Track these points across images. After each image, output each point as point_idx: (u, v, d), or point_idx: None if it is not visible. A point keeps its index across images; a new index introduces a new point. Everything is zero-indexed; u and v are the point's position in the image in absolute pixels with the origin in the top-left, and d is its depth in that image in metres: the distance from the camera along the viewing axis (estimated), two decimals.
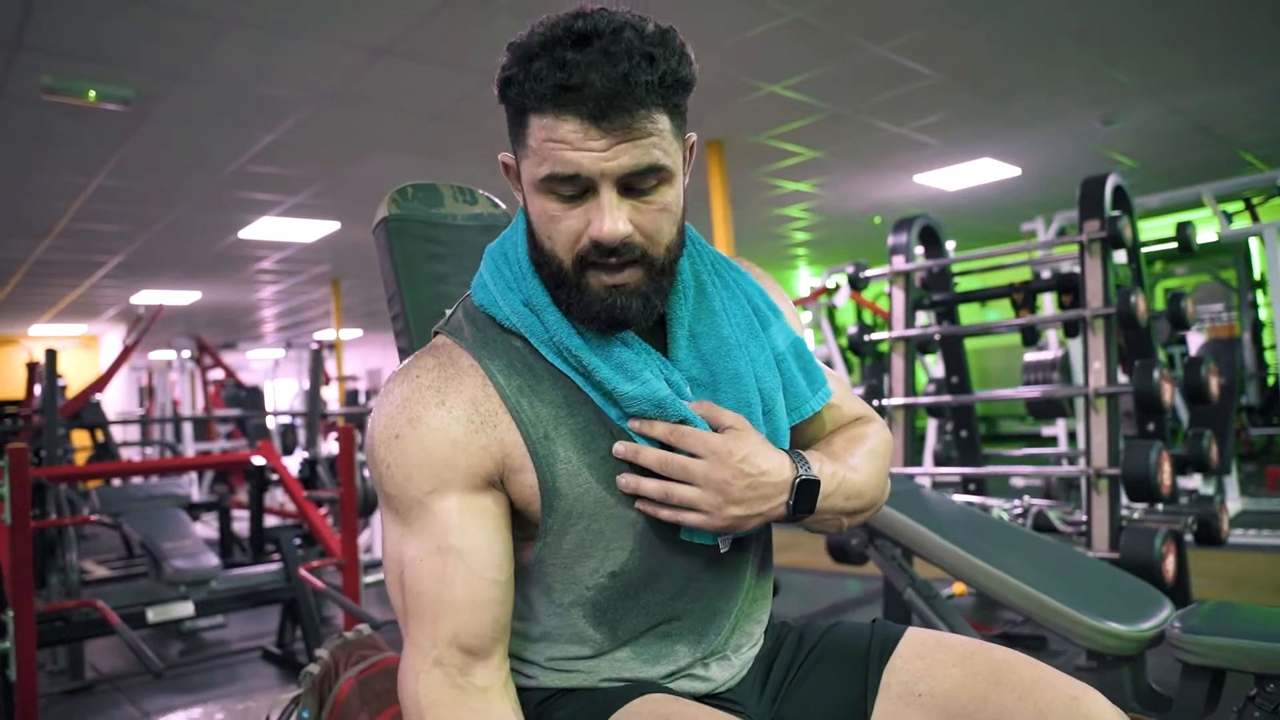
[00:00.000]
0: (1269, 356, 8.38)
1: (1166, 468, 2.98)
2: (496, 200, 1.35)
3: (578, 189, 0.82)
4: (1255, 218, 5.77)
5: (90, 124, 4.55)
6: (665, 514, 0.89)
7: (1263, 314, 8.41)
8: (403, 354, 1.22)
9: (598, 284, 0.85)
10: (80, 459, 7.55)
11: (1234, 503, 5.48)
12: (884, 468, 1.03)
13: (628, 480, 0.89)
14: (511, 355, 0.90)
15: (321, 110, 4.70)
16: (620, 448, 0.89)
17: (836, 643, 1.02)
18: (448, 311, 1.00)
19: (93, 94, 4.07)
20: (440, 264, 1.31)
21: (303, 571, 3.36)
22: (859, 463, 0.98)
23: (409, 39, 3.90)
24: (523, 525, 0.91)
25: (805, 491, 0.89)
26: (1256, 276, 8.46)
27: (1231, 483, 5.59)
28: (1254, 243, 8.13)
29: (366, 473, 4.01)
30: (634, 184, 0.82)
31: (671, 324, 0.94)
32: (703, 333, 0.94)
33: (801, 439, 1.04)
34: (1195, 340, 7.17)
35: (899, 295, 3.90)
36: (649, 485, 0.88)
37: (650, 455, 0.88)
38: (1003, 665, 0.91)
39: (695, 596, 0.94)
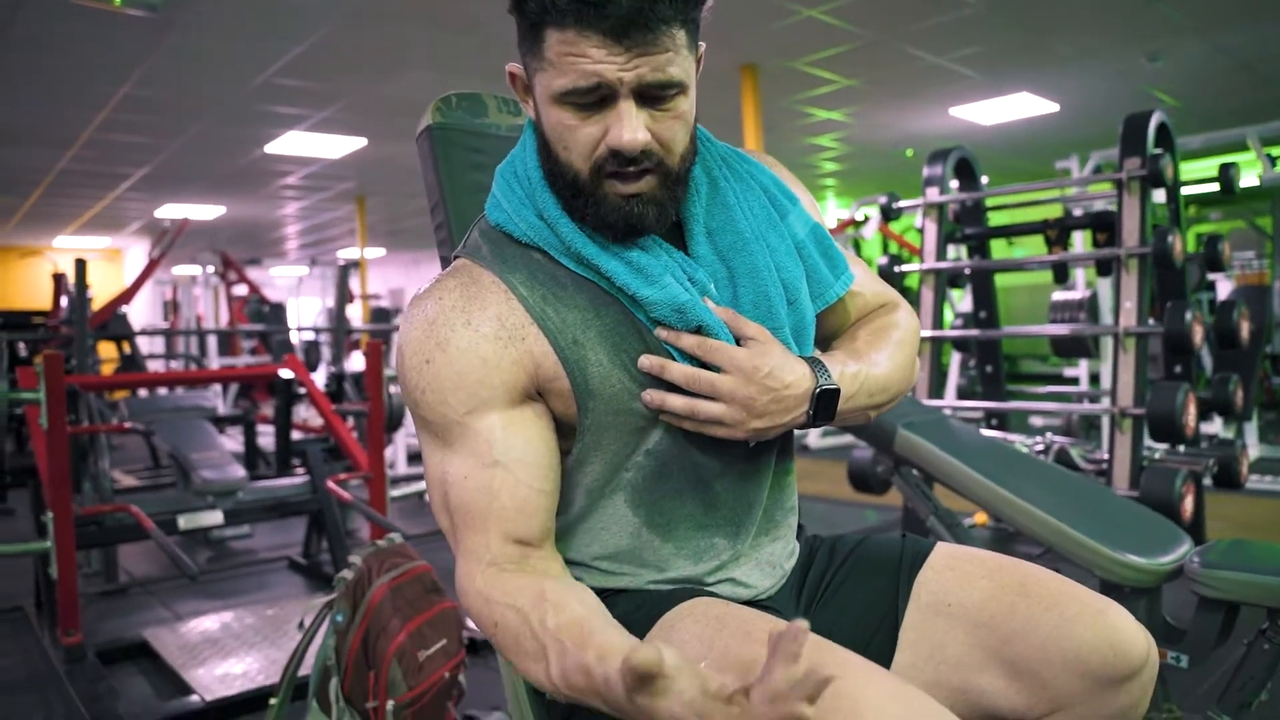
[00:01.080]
0: None
1: (1192, 410, 2.98)
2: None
3: (595, 99, 0.83)
4: None
5: (116, 31, 4.50)
6: (689, 425, 0.91)
7: None
8: (445, 263, 1.23)
9: (614, 193, 0.87)
10: (106, 370, 7.66)
11: (1253, 449, 5.48)
12: (910, 355, 1.05)
13: (652, 397, 0.90)
14: (532, 267, 0.92)
15: (352, 23, 4.62)
16: (646, 361, 0.90)
17: (868, 555, 1.05)
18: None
19: (118, 0, 4.02)
20: (483, 174, 1.30)
21: (330, 484, 3.43)
22: (883, 357, 1.00)
23: None
24: (563, 433, 0.93)
25: (825, 401, 0.91)
26: None
27: (1251, 429, 5.58)
28: None
29: (394, 388, 4.05)
30: (651, 95, 0.84)
31: (688, 222, 0.95)
32: (718, 228, 0.96)
33: (827, 324, 1.06)
34: (1224, 287, 7.07)
35: (931, 227, 3.86)
36: (675, 402, 0.90)
37: (677, 371, 0.89)
38: (1030, 578, 0.94)
39: (725, 484, 0.96)
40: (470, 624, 2.36)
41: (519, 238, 0.93)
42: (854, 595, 1.02)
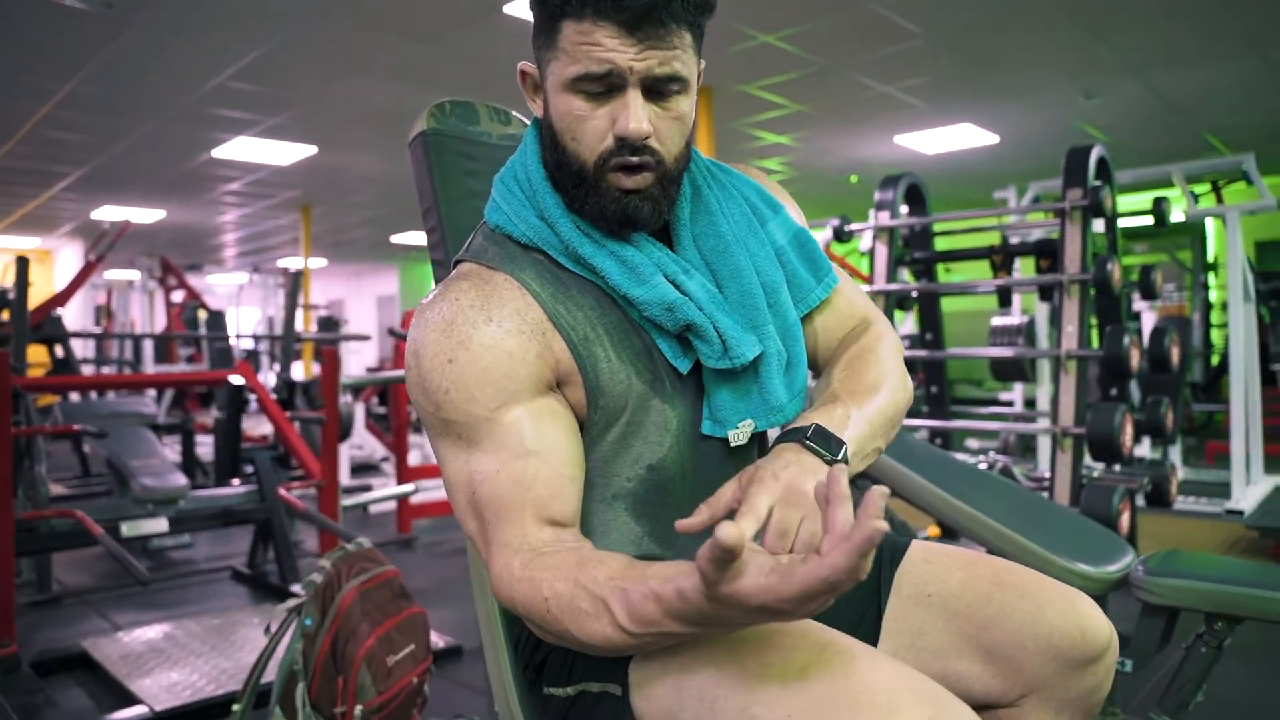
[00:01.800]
0: (1215, 337, 8.67)
1: (1129, 430, 3.12)
2: (527, 121, 1.37)
3: (605, 87, 0.87)
4: (1220, 199, 5.93)
5: (68, 24, 4.40)
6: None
7: (1213, 295, 8.67)
8: (437, 265, 1.25)
9: (615, 186, 0.90)
10: (36, 375, 7.39)
11: (1178, 471, 5.72)
12: (900, 374, 1.05)
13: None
14: (538, 267, 0.95)
15: (311, 28, 4.59)
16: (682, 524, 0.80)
17: None
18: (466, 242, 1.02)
19: None
20: (475, 180, 1.32)
21: (283, 491, 3.38)
22: (875, 385, 1.00)
23: None
24: None
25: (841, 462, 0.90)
26: (1210, 259, 8.71)
27: (1175, 453, 5.82)
28: (1210, 226, 8.36)
29: (345, 397, 4.02)
30: (656, 88, 0.88)
31: (675, 226, 0.99)
32: (701, 233, 1.00)
33: (811, 327, 1.08)
34: (1147, 318, 7.39)
35: (882, 250, 3.98)
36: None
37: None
38: (1003, 569, 1.00)
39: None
40: (433, 635, 2.35)
41: (519, 239, 0.96)
42: None
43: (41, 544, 3.18)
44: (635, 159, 0.89)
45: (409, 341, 0.92)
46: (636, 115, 0.87)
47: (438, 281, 1.12)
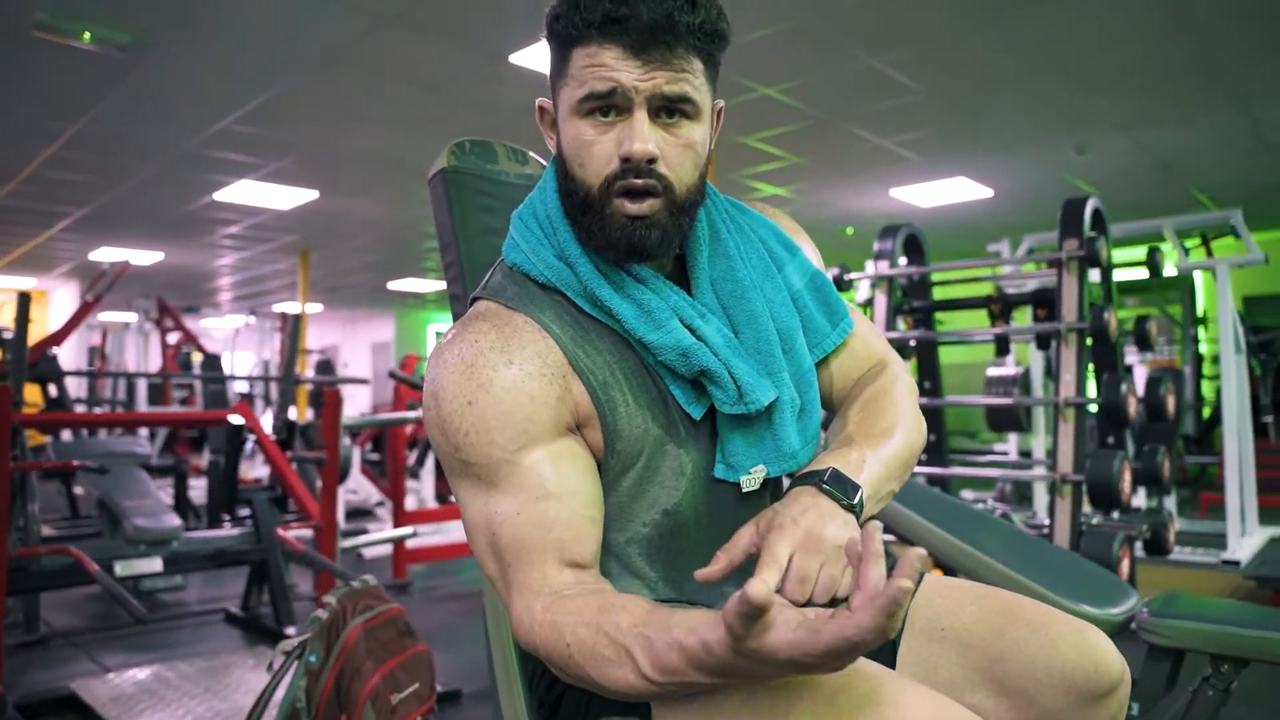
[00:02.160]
0: (1206, 390, 8.74)
1: (1128, 477, 3.14)
2: (544, 162, 1.40)
3: (612, 110, 0.88)
4: (1209, 253, 6.04)
5: (79, 67, 4.46)
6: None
7: (1203, 349, 8.76)
8: (455, 300, 1.26)
9: (621, 212, 0.89)
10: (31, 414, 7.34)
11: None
12: (915, 415, 1.05)
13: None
14: (557, 309, 0.94)
15: (318, 74, 4.67)
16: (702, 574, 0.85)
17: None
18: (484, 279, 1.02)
19: (87, 35, 3.99)
20: (493, 218, 1.35)
21: (281, 532, 3.36)
22: (890, 428, 1.00)
23: (419, 8, 3.90)
24: None
25: (859, 511, 0.89)
26: (1200, 313, 8.82)
27: (1171, 503, 5.83)
28: (1199, 280, 8.49)
29: (345, 440, 4.02)
30: (664, 111, 0.88)
31: (693, 269, 1.00)
32: (720, 278, 1.00)
33: (827, 370, 1.09)
34: (1139, 372, 7.46)
35: (882, 299, 4.03)
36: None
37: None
38: (1014, 603, 1.00)
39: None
40: (436, 678, 2.32)
41: (538, 279, 0.96)
42: None
43: (33, 583, 3.14)
44: (640, 182, 0.88)
45: (427, 382, 0.91)
46: (641, 135, 0.87)
47: (455, 318, 1.13)
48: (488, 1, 3.84)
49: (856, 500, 0.88)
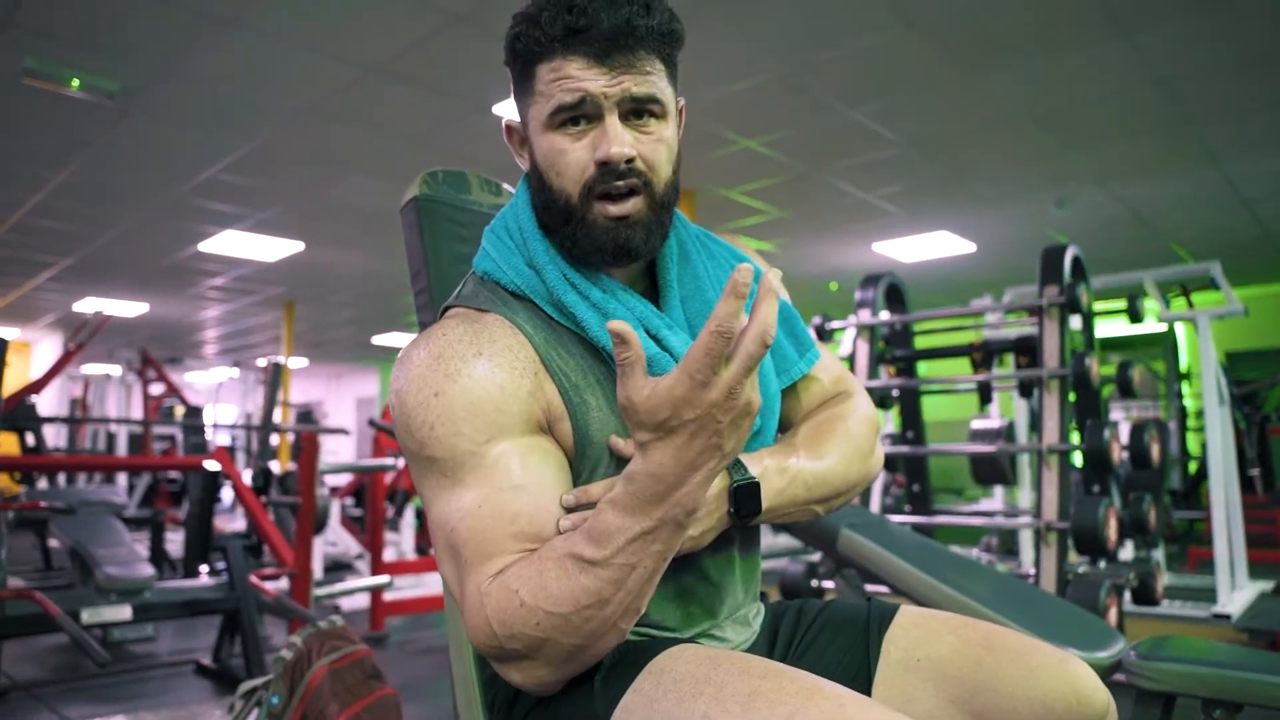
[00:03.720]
0: (1191, 444, 8.75)
1: (1113, 524, 3.11)
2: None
3: (583, 120, 0.89)
4: (1190, 304, 6.09)
5: (66, 114, 4.49)
6: None
7: (1187, 403, 8.80)
8: (424, 328, 1.25)
9: (604, 215, 0.90)
10: None
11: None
12: (863, 446, 1.04)
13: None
14: (530, 313, 0.94)
15: (303, 124, 4.71)
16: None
17: (835, 617, 1.06)
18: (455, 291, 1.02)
19: (76, 83, 4.03)
20: (464, 246, 1.34)
21: (254, 579, 3.28)
22: (829, 449, 1.00)
23: (402, 59, 3.96)
24: None
25: (745, 496, 0.90)
26: (1183, 368, 8.88)
27: (1159, 555, 5.79)
28: (1181, 335, 8.55)
29: (321, 489, 3.94)
30: (635, 112, 0.90)
31: (662, 286, 1.00)
32: (688, 296, 1.00)
33: (791, 402, 1.09)
34: (1123, 428, 7.46)
35: (864, 348, 4.03)
36: None
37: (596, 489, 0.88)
38: (993, 633, 0.97)
39: (704, 562, 0.98)
40: None
41: (508, 286, 0.96)
42: (826, 652, 1.03)
43: None
44: (621, 183, 0.89)
45: (393, 381, 0.89)
46: (617, 138, 0.88)
47: None
48: (470, 52, 3.90)
49: (740, 478, 0.91)
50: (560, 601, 0.77)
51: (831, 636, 1.04)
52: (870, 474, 1.06)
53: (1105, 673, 1.93)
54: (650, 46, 0.89)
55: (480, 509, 0.82)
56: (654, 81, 0.90)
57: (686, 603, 0.97)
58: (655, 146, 0.91)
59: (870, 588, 2.79)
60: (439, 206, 1.34)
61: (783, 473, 0.95)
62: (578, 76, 0.87)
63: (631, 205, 0.90)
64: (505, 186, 1.41)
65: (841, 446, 1.01)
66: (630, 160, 0.89)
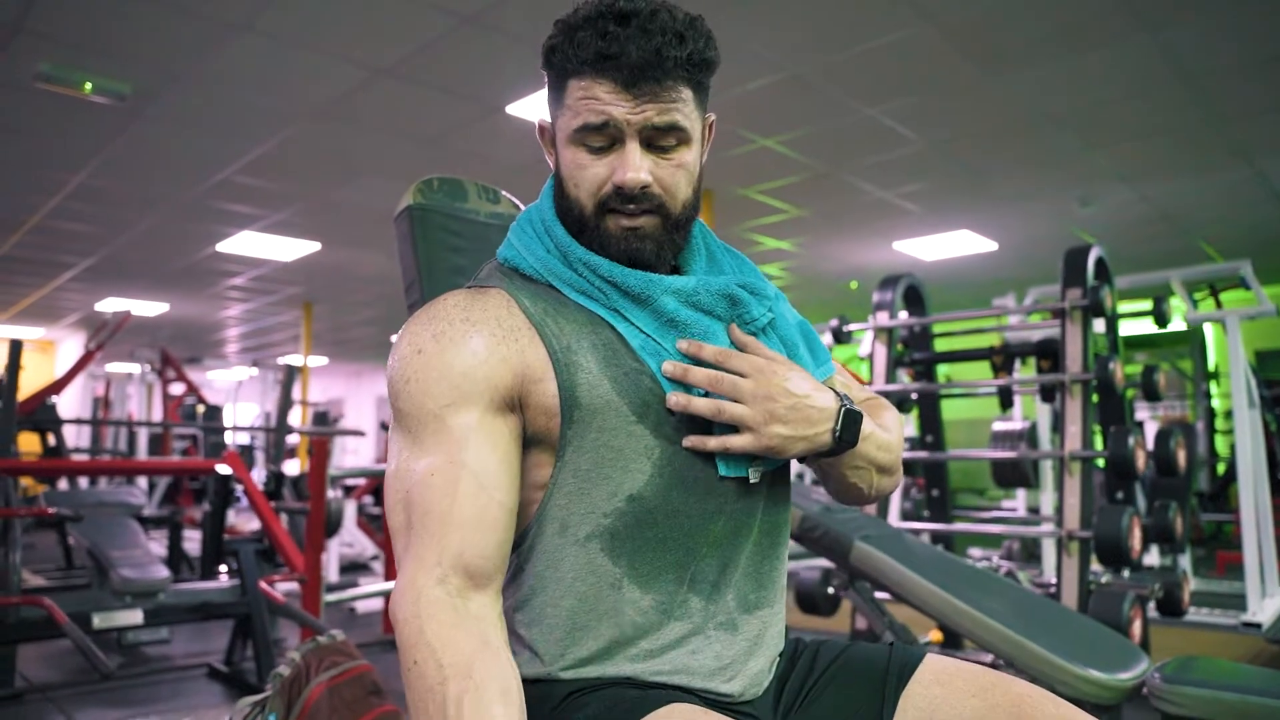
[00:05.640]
0: (1220, 445, 8.58)
1: (1137, 533, 3.03)
2: (518, 202, 1.36)
3: (606, 140, 0.91)
4: (1219, 304, 5.96)
5: (81, 117, 4.50)
6: (713, 444, 0.91)
7: (1215, 403, 8.63)
8: None
9: (616, 226, 0.93)
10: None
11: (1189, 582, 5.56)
12: (902, 438, 1.08)
13: (679, 399, 0.91)
14: (539, 291, 0.96)
15: (316, 126, 4.70)
16: (669, 366, 0.92)
17: (852, 664, 1.00)
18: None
19: (89, 86, 4.03)
20: (460, 257, 1.31)
21: (263, 584, 3.26)
22: (889, 425, 1.04)
23: (413, 61, 3.93)
24: (542, 448, 0.92)
25: (850, 421, 0.92)
26: (1211, 366, 8.71)
27: (1185, 561, 5.67)
28: (1210, 334, 8.39)
29: (334, 492, 3.93)
30: (656, 140, 0.91)
31: (689, 275, 1.00)
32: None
33: None
34: (1150, 428, 7.34)
35: (882, 351, 3.96)
36: (700, 404, 0.90)
37: (699, 374, 0.91)
38: (1024, 700, 0.90)
39: (709, 539, 0.92)
40: None
41: (527, 272, 0.97)
42: (835, 706, 0.97)
43: (8, 634, 3.05)
44: (633, 206, 0.92)
45: (395, 341, 0.94)
46: (634, 165, 0.90)
47: None
48: (483, 54, 3.86)
49: (849, 404, 0.93)
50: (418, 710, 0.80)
51: (845, 687, 0.98)
52: (898, 479, 1.08)
53: (1125, 695, 1.87)
54: (679, 76, 0.90)
55: (433, 478, 0.85)
56: (678, 109, 0.91)
57: (688, 586, 0.92)
58: (674, 172, 0.93)
59: (879, 595, 2.72)
60: (433, 215, 1.31)
61: (866, 422, 0.97)
62: (603, 100, 0.89)
63: (643, 220, 0.93)
64: (504, 195, 1.37)
65: (896, 428, 1.05)
66: (645, 186, 0.91)
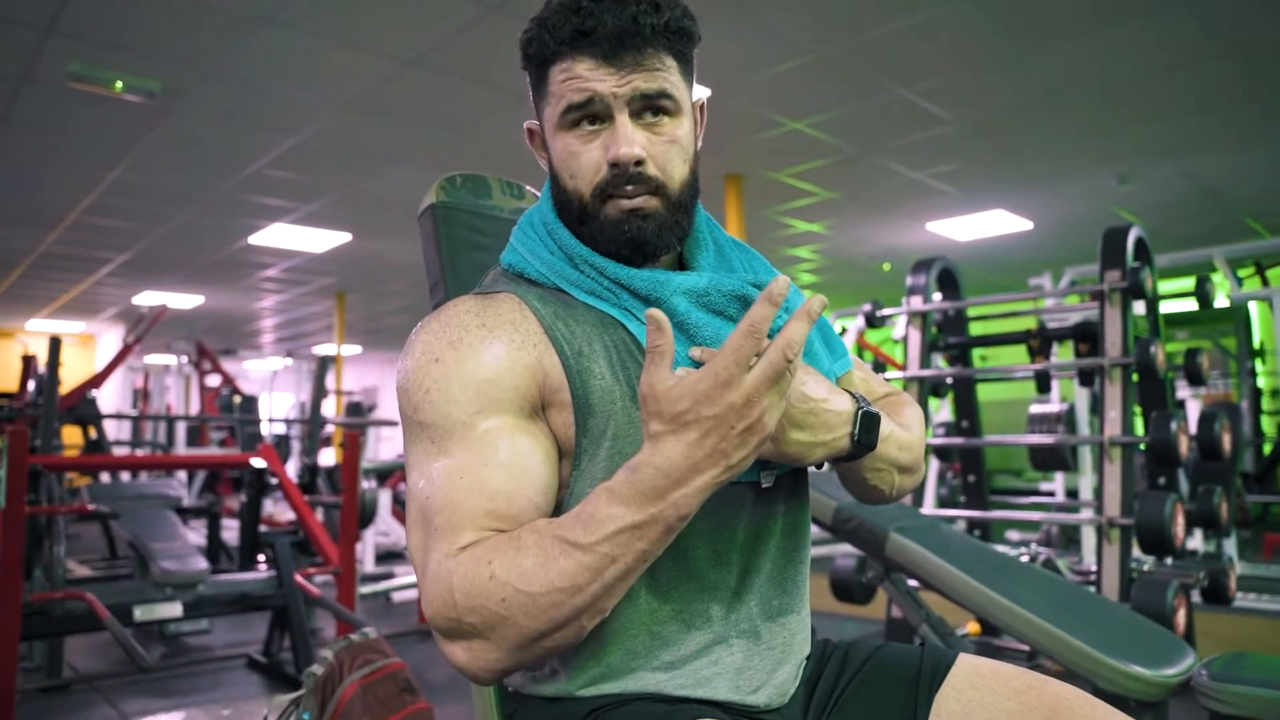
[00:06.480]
0: (1266, 425, 8.39)
1: (1180, 520, 2.95)
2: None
3: (594, 120, 0.89)
4: (1265, 282, 5.81)
5: (113, 115, 4.55)
6: None
7: (1260, 382, 8.42)
8: None
9: (616, 211, 0.89)
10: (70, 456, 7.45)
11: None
12: (924, 435, 1.04)
13: None
14: (546, 293, 0.93)
15: (345, 119, 4.71)
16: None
17: (884, 666, 0.98)
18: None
19: (119, 84, 4.07)
20: (485, 254, 1.29)
21: (298, 577, 3.29)
22: (910, 422, 1.01)
23: (440, 52, 3.92)
24: (560, 458, 0.89)
25: (868, 424, 0.87)
26: (1256, 344, 8.50)
27: (1231, 546, 5.55)
28: (1254, 310, 8.19)
29: (368, 483, 3.96)
30: (645, 111, 0.89)
31: (695, 269, 0.97)
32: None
33: None
34: (1192, 406, 7.16)
35: (915, 335, 3.89)
36: None
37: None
38: (1061, 703, 0.87)
39: (729, 545, 0.90)
40: None
41: (532, 275, 0.94)
42: (867, 709, 0.94)
43: (53, 627, 3.11)
44: (631, 187, 0.89)
45: (405, 349, 0.90)
46: (626, 138, 0.87)
47: None
48: (507, 41, 3.82)
49: (866, 406, 0.88)
50: (532, 580, 0.73)
51: (876, 690, 0.95)
52: (920, 476, 1.04)
53: (1171, 691, 1.82)
54: (660, 44, 0.88)
55: (461, 479, 0.80)
56: (664, 77, 0.89)
57: (708, 594, 0.89)
58: (667, 148, 0.90)
59: (911, 582, 2.67)
60: (457, 213, 1.29)
61: (886, 422, 0.94)
62: (586, 77, 0.87)
63: (644, 200, 0.89)
64: (529, 189, 1.35)
65: (916, 426, 1.02)
66: (640, 163, 0.88)
